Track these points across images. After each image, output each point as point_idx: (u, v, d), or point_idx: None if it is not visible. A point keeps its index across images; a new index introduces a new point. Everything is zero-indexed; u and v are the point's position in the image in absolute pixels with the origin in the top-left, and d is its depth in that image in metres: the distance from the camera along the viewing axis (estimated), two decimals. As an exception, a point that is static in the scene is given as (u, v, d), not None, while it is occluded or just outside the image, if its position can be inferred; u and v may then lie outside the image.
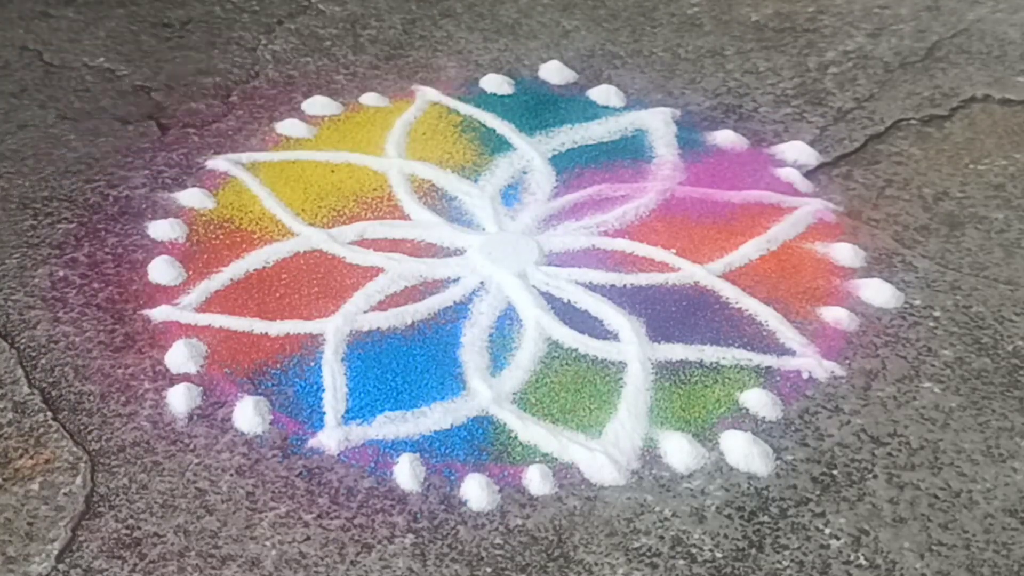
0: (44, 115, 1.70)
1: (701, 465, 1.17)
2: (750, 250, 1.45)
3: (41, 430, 1.20)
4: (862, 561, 1.07)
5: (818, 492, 1.14)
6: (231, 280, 1.41)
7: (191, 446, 1.18)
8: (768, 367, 1.29)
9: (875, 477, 1.15)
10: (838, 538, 1.09)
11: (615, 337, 1.32)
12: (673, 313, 1.36)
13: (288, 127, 1.65)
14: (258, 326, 1.33)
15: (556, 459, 1.18)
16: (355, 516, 1.11)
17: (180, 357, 1.28)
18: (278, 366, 1.29)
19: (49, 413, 1.21)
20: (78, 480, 1.14)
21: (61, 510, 1.11)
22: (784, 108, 1.71)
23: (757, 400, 1.24)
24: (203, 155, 1.61)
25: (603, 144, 1.65)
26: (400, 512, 1.11)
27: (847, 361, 1.28)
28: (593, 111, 1.71)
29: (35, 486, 1.14)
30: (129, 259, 1.43)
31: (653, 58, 1.81)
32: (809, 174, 1.58)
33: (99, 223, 1.48)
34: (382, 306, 1.36)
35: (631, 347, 1.30)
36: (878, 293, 1.38)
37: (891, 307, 1.36)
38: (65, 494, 1.13)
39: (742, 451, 1.18)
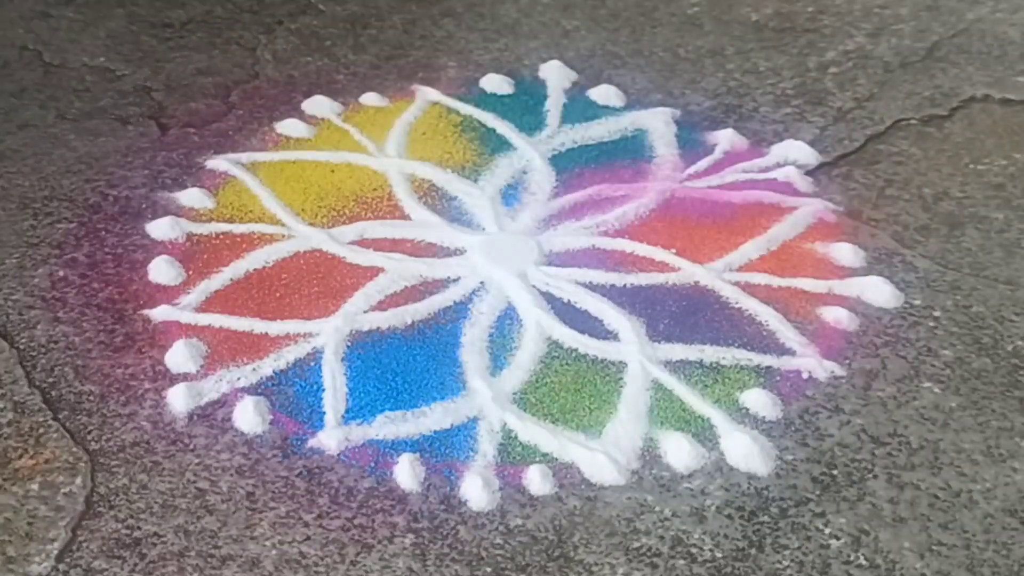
0: (44, 115, 1.70)
1: (701, 465, 1.17)
2: (750, 250, 1.45)
3: (41, 430, 1.20)
4: (862, 561, 1.07)
5: (818, 492, 1.14)
6: (231, 280, 1.41)
7: (191, 446, 1.18)
8: (768, 367, 1.29)
9: (875, 477, 1.15)
10: (838, 538, 1.09)
11: (615, 337, 1.32)
12: (673, 313, 1.36)
13: (288, 127, 1.65)
14: (258, 326, 1.33)
15: (556, 459, 1.18)
16: (355, 516, 1.11)
17: (180, 357, 1.28)
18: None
19: (49, 413, 1.21)
20: (78, 480, 1.14)
21: (61, 510, 1.11)
22: (784, 108, 1.71)
23: (757, 400, 1.24)
24: (203, 155, 1.61)
25: (603, 144, 1.65)
26: (400, 512, 1.11)
27: (847, 361, 1.28)
28: (593, 111, 1.71)
29: (35, 486, 1.14)
30: (129, 259, 1.43)
31: (653, 58, 1.81)
32: (809, 174, 1.58)
33: (99, 223, 1.48)
34: (382, 306, 1.36)
35: (631, 347, 1.30)
36: (878, 293, 1.38)
37: (891, 307, 1.36)
38: (65, 494, 1.13)
39: (742, 451, 1.18)
